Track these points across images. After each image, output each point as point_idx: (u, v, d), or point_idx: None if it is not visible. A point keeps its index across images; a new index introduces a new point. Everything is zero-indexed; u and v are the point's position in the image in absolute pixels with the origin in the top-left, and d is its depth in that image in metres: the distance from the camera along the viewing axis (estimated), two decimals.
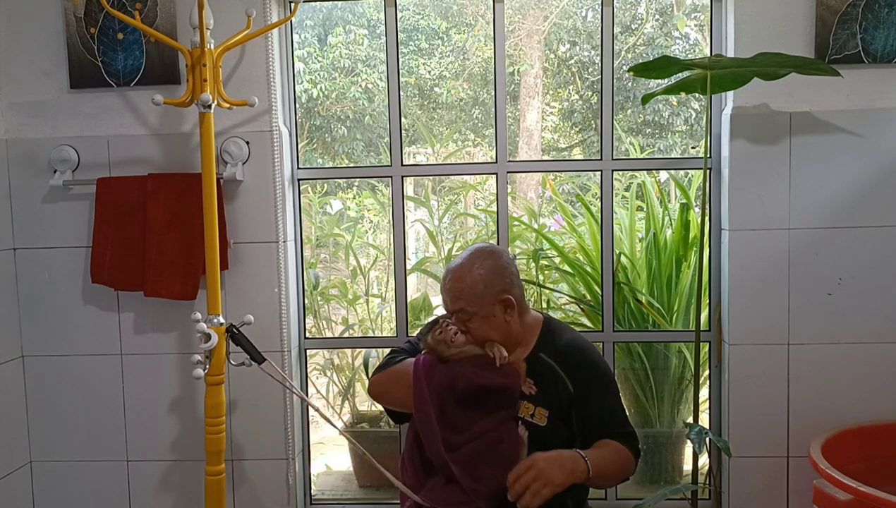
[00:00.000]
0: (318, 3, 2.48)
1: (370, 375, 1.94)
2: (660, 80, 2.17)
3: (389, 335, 2.79)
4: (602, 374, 1.87)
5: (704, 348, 2.50)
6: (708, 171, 2.22)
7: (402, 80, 2.40)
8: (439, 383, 1.78)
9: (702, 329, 2.23)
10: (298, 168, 2.41)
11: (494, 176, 2.39)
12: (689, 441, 2.15)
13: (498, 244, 2.41)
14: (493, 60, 2.33)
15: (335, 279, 3.39)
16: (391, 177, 2.41)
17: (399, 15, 2.36)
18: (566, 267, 2.89)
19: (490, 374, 1.78)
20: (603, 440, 1.79)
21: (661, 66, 2.09)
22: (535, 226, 3.13)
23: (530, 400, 1.81)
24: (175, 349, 2.33)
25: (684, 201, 2.73)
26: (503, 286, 1.83)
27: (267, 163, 2.27)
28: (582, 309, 2.80)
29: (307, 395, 2.52)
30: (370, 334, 3.17)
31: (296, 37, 2.58)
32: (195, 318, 2.00)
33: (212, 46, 1.98)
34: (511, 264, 1.88)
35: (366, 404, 3.06)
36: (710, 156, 2.27)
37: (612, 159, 2.35)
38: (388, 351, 2.01)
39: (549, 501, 1.79)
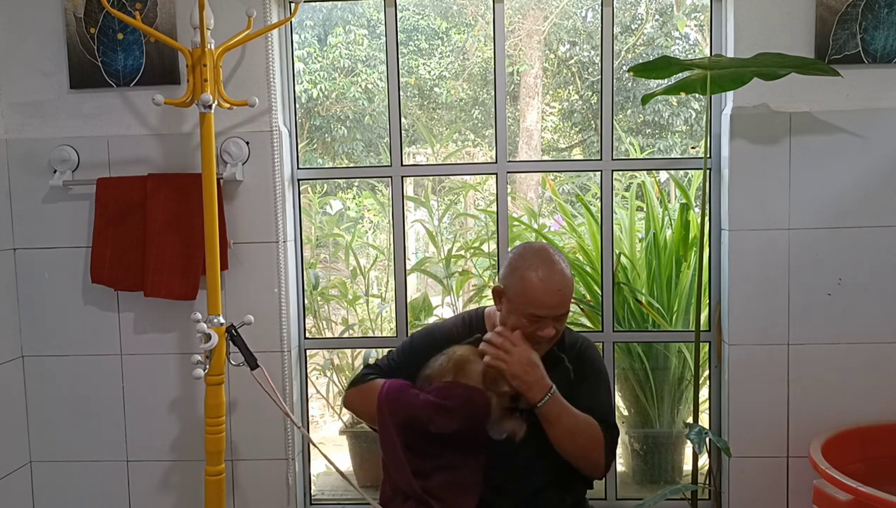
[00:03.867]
0: (318, 3, 2.48)
1: (346, 387, 1.95)
2: (660, 80, 2.17)
3: (389, 335, 2.79)
4: (599, 370, 1.90)
5: (704, 348, 2.49)
6: (708, 171, 2.22)
7: (402, 80, 2.40)
8: (401, 425, 1.73)
9: (702, 329, 2.23)
10: (298, 168, 2.41)
11: (494, 176, 2.39)
12: (689, 442, 2.15)
13: (497, 244, 2.42)
14: (492, 60, 2.33)
15: (335, 279, 3.38)
16: (391, 177, 2.41)
17: (399, 15, 2.36)
18: None
19: (452, 422, 1.69)
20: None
21: (660, 66, 2.09)
22: (535, 226, 3.13)
23: None
24: (175, 349, 2.33)
25: (684, 201, 2.73)
26: None
27: (267, 164, 2.27)
28: (582, 309, 2.80)
29: (306, 395, 2.52)
30: (370, 334, 3.17)
31: (296, 37, 2.59)
32: (195, 318, 2.00)
33: (212, 46, 1.98)
34: None
35: None
36: (710, 157, 2.27)
37: (612, 159, 2.35)
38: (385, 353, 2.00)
39: (547, 500, 1.80)
